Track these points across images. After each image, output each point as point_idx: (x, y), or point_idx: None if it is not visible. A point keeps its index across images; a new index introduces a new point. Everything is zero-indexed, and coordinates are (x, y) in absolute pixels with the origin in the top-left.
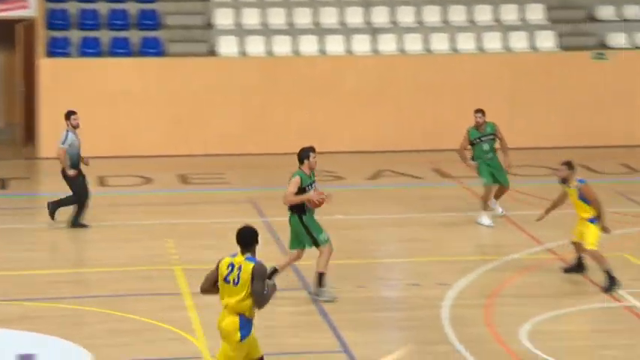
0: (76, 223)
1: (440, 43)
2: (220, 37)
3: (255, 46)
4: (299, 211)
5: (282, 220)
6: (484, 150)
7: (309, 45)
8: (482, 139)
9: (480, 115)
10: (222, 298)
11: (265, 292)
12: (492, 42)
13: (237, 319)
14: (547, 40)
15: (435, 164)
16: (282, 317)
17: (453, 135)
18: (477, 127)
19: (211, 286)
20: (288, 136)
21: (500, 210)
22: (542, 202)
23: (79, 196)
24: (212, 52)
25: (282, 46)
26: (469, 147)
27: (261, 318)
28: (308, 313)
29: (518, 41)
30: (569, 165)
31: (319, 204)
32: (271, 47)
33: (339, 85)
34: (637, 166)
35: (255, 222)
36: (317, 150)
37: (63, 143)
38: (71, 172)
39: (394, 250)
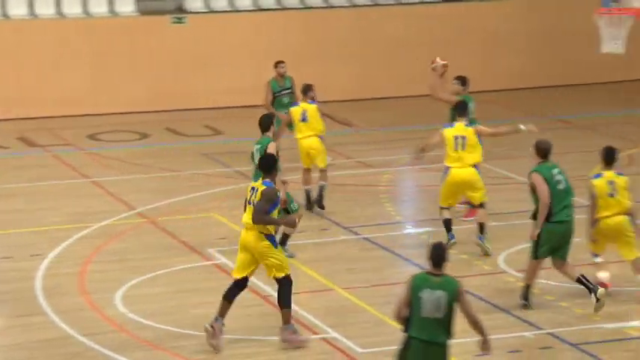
0: None
1: (18, 8)
2: None
3: None
4: None
5: None
6: (284, 103)
7: None
8: (282, 92)
9: (282, 65)
10: (244, 217)
11: (268, 213)
12: (72, 7)
13: (257, 232)
14: (126, 5)
15: (21, 133)
16: None
17: (36, 103)
18: (277, 78)
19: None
20: None
21: None
22: (132, 167)
23: None
24: None
25: None
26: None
27: None
28: None
29: (98, 6)
30: None
31: None
32: None
33: None
34: (220, 128)
35: None
36: None
37: None
38: None
39: None
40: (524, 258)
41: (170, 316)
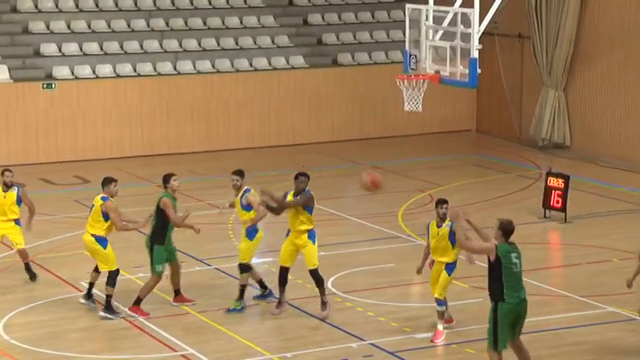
0: None
1: None
2: None
3: None
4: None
5: None
6: None
7: None
8: None
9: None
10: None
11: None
12: None
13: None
14: (1, 73)
15: None
16: None
17: None
18: None
19: None
20: None
21: None
22: None
23: None
24: None
25: None
26: None
27: None
28: None
29: None
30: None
31: None
32: None
33: None
34: (87, 177)
35: None
36: None
37: None
38: None
39: None
40: (349, 281)
41: (48, 340)
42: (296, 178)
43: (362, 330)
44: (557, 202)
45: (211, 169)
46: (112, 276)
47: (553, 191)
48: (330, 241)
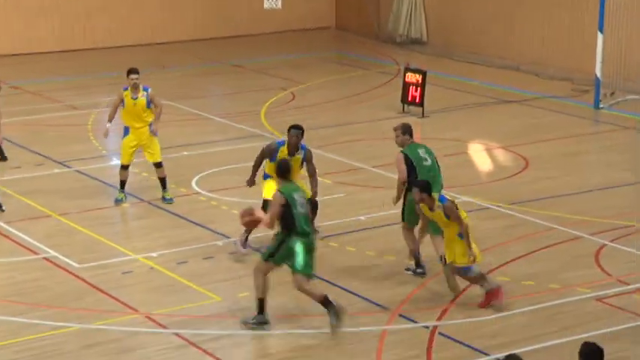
0: None
1: None
2: None
3: None
4: None
5: None
6: None
7: None
8: None
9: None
10: None
11: None
12: None
13: None
14: None
15: None
16: None
17: None
18: None
19: None
20: None
21: None
22: None
23: None
24: None
25: None
26: None
27: None
28: None
29: None
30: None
31: None
32: None
33: None
34: None
35: None
36: None
37: None
38: None
39: None
40: (213, 180)
41: None
42: (288, 131)
43: (227, 228)
44: (415, 97)
45: (68, 69)
46: None
47: (411, 86)
48: (193, 141)
